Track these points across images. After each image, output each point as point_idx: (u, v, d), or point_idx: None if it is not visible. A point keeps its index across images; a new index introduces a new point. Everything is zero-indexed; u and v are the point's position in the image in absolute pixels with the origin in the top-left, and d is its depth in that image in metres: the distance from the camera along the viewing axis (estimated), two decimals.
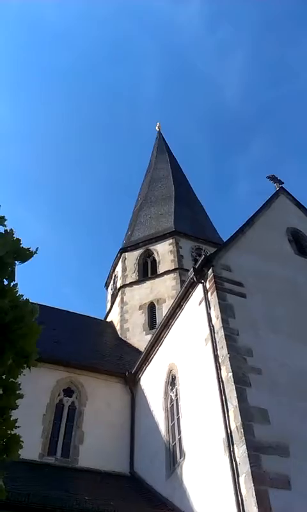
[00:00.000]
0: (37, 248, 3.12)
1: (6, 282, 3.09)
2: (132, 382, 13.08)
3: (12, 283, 3.09)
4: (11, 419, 3.06)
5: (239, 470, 7.05)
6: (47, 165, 61.76)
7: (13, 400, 3.14)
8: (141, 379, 12.94)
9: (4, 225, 3.20)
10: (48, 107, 61.07)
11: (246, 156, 63.39)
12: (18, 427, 3.11)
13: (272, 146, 63.37)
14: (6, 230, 3.29)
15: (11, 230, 3.28)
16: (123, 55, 63.51)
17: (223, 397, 8.01)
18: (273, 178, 15.12)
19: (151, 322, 17.04)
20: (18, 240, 3.15)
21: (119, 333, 17.42)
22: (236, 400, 7.65)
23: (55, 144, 62.41)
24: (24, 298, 3.21)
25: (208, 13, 59.46)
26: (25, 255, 3.06)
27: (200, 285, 10.27)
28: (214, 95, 63.71)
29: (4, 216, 3.36)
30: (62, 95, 61.72)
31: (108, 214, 61.51)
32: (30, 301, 3.22)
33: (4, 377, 3.11)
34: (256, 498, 6.48)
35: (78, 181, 62.67)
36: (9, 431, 3.02)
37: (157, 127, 35.04)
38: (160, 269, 18.82)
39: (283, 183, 14.85)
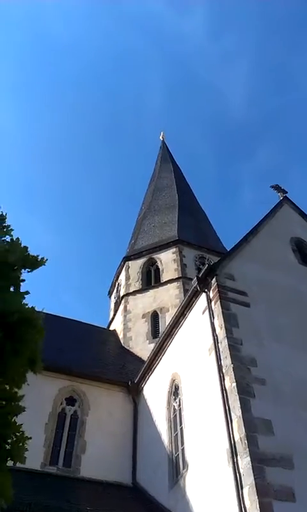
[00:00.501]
0: (46, 259, 3.14)
1: (12, 289, 3.11)
2: (134, 391, 13.04)
3: (20, 290, 3.11)
4: (16, 424, 3.05)
5: (243, 482, 6.98)
6: (52, 172, 62.16)
7: (16, 408, 3.13)
8: (144, 388, 12.90)
9: (11, 235, 3.22)
10: (53, 114, 61.76)
11: (250, 164, 63.71)
12: (23, 431, 3.10)
13: (277, 153, 63.68)
14: (12, 239, 3.32)
15: (18, 238, 3.31)
16: (127, 64, 64.23)
17: (227, 408, 7.97)
18: (277, 188, 15.18)
19: (155, 331, 17.01)
20: (26, 248, 3.18)
21: (122, 341, 17.40)
22: (240, 410, 7.60)
23: (60, 152, 62.94)
24: (29, 306, 3.22)
25: (212, 21, 60.19)
26: (33, 263, 3.08)
27: (204, 294, 10.27)
28: (218, 103, 64.17)
29: (10, 225, 3.39)
30: (67, 103, 62.39)
31: (112, 223, 61.82)
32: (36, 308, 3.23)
33: (7, 387, 3.11)
34: (260, 511, 6.40)
35: (83, 188, 63.04)
36: (13, 434, 3.00)
37: (160, 137, 35.30)
38: (164, 278, 18.82)
39: (286, 192, 14.90)
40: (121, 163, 65.85)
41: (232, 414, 7.79)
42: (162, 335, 12.50)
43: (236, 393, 7.87)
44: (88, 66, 62.80)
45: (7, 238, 3.24)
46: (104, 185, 63.22)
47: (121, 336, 17.74)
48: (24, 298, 3.15)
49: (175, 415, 10.58)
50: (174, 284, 18.16)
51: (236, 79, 61.62)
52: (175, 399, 10.80)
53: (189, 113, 65.52)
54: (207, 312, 9.85)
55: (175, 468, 9.75)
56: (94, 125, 64.50)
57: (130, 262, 20.74)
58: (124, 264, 21.01)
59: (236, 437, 7.47)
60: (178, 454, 9.81)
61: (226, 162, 65.34)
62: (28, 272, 3.13)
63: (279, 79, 62.21)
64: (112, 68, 64.45)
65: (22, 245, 3.21)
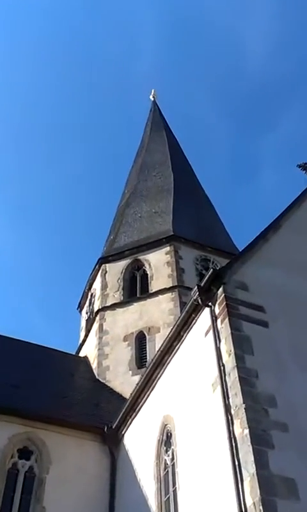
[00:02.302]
0: None
1: None
2: (112, 440, 13.04)
3: None
4: None
5: None
6: (3, 144, 61.95)
7: None
8: (125, 436, 12.89)
9: None
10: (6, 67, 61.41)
11: (272, 137, 63.98)
12: None
13: None
14: None
15: None
16: None
17: (236, 463, 7.97)
18: (305, 168, 15.23)
19: (140, 358, 17.08)
20: None
21: (96, 372, 17.44)
22: (254, 466, 7.60)
23: (18, 117, 62.70)
24: None
25: None
26: None
27: (207, 310, 10.28)
28: (232, 54, 64.29)
29: None
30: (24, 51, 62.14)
31: (84, 212, 61.61)
32: None
33: None
34: None
35: (45, 167, 62.81)
36: None
37: (151, 95, 35.48)
38: (153, 287, 18.89)
39: None
40: (95, 131, 65.78)
41: (243, 471, 7.79)
42: (150, 364, 12.50)
43: (250, 443, 7.85)
44: None
45: None
46: (74, 161, 63.08)
47: (94, 365, 17.78)
48: None
49: (167, 473, 10.56)
50: (168, 295, 18.23)
51: (257, 23, 61.84)
52: (167, 451, 10.77)
53: (191, 65, 65.62)
54: (211, 333, 9.85)
55: None
56: (56, 76, 64.17)
57: (107, 264, 20.80)
58: (100, 267, 21.04)
59: (249, 502, 7.46)
60: None
61: (240, 134, 65.73)
62: None
63: None
64: None
65: None
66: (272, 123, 64.43)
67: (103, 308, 19.22)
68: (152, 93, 35.42)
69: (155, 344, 16.47)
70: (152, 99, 35.10)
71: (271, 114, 64.30)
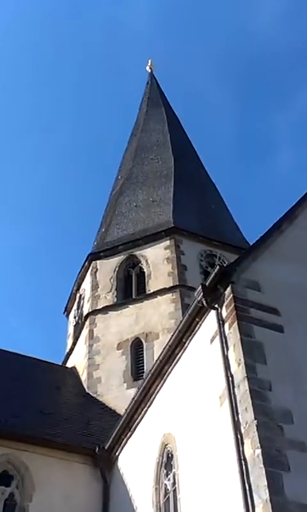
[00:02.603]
0: None
1: None
2: (105, 463, 13.07)
3: None
4: None
5: None
6: None
7: None
8: (119, 458, 12.93)
9: None
10: None
11: (289, 112, 63.69)
12: None
13: None
14: None
15: None
16: None
17: (247, 487, 7.98)
18: None
19: (136, 369, 17.11)
20: None
21: (85, 385, 17.44)
22: (267, 491, 7.62)
23: None
24: None
25: None
26: None
27: (213, 312, 10.30)
28: (240, 14, 63.64)
29: None
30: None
31: (71, 201, 61.59)
32: None
33: None
34: None
35: (23, 149, 62.66)
36: None
37: (147, 66, 35.29)
38: (151, 287, 18.91)
39: None
40: (83, 107, 65.49)
41: (255, 497, 7.80)
42: (147, 375, 12.53)
43: (262, 465, 7.86)
44: None
45: None
46: (57, 142, 62.93)
47: (84, 376, 17.79)
48: None
49: (167, 499, 10.58)
50: (168, 296, 18.25)
51: None
52: (167, 475, 10.80)
53: (193, 30, 65.34)
54: (218, 339, 9.88)
55: None
56: (36, 44, 64.04)
57: (98, 261, 20.80)
58: (89, 264, 21.05)
59: None
60: None
61: (249, 109, 65.52)
62: None
63: None
64: None
65: None
66: (288, 96, 64.07)
67: (94, 312, 19.19)
68: (149, 63, 35.20)
69: (154, 352, 16.48)
70: (149, 70, 34.90)
71: (286, 85, 63.74)
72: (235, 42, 64.82)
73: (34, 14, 63.31)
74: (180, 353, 11.28)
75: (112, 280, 19.87)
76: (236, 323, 9.60)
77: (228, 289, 10.13)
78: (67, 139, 62.58)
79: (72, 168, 62.74)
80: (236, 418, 8.74)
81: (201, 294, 10.37)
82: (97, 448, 13.12)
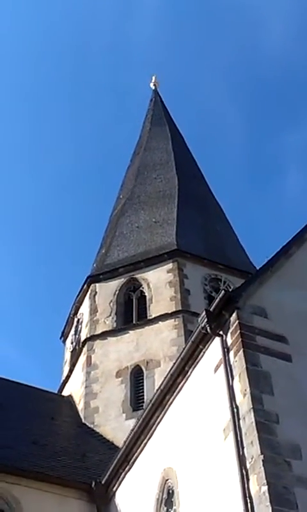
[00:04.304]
0: None
1: None
2: (101, 498, 13.01)
3: None
4: None
5: None
6: None
7: None
8: (117, 494, 12.86)
9: None
10: None
11: (299, 133, 64.17)
12: None
13: None
14: None
15: None
16: None
17: None
18: None
19: (136, 398, 17.05)
20: None
21: (82, 415, 17.40)
22: None
23: None
24: None
25: None
26: None
27: (217, 340, 10.28)
28: (249, 32, 64.47)
29: None
30: None
31: (70, 221, 61.84)
32: None
33: None
34: None
35: (23, 167, 63.12)
36: None
37: (152, 83, 35.64)
38: (153, 312, 18.90)
39: None
40: (85, 125, 66.03)
41: None
42: (148, 405, 12.50)
43: (268, 503, 7.81)
44: None
45: None
46: (58, 161, 63.44)
47: (80, 406, 17.75)
48: None
49: None
50: (170, 322, 18.23)
51: None
52: None
53: (200, 47, 66.04)
54: (222, 368, 9.84)
55: None
56: (37, 59, 64.72)
57: (98, 284, 20.81)
58: (88, 287, 21.08)
59: None
60: None
61: (258, 129, 66.03)
62: None
63: None
64: None
65: None
66: (298, 117, 64.75)
67: (92, 337, 19.17)
68: (153, 80, 35.60)
69: (155, 381, 16.44)
70: (153, 87, 35.29)
71: (296, 105, 64.40)
72: (244, 59, 65.52)
73: (36, 30, 64.23)
74: (183, 382, 11.24)
75: (111, 304, 19.86)
76: (241, 351, 9.58)
77: (234, 315, 10.13)
78: (68, 157, 63.07)
79: (72, 186, 63.05)
80: (241, 453, 8.69)
81: (205, 320, 10.37)
82: (93, 483, 13.06)
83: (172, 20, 64.96)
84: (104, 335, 19.04)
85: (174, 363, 11.49)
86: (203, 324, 10.44)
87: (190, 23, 65.20)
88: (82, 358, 18.99)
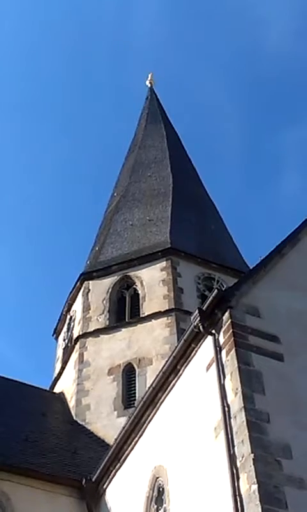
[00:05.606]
0: None
1: None
2: (91, 496, 12.99)
3: None
4: None
5: None
6: None
7: None
8: (107, 491, 12.85)
9: None
10: None
11: (297, 131, 63.92)
12: None
13: None
14: None
15: None
16: None
17: None
18: None
19: (128, 396, 17.05)
20: None
21: (73, 412, 17.38)
22: None
23: None
24: None
25: None
26: None
27: (210, 339, 10.30)
28: (249, 28, 63.98)
29: None
30: None
31: (63, 218, 61.53)
32: None
33: None
34: None
35: (15, 164, 62.79)
36: None
37: (147, 81, 35.54)
38: (146, 310, 18.89)
39: None
40: (79, 122, 65.80)
41: None
42: (139, 403, 12.48)
43: (258, 502, 7.83)
44: None
45: None
46: (52, 158, 63.17)
47: (72, 403, 17.72)
48: None
49: None
50: (163, 320, 18.22)
51: None
52: (158, 510, 10.73)
53: (197, 44, 65.70)
54: (214, 366, 9.87)
55: None
56: (30, 55, 64.57)
57: (91, 281, 20.78)
58: (81, 284, 21.03)
59: None
60: None
61: (255, 127, 65.72)
62: None
63: None
64: None
65: None
66: (296, 115, 64.34)
67: (85, 335, 19.13)
68: (149, 78, 35.44)
69: (146, 378, 16.42)
70: (149, 85, 35.13)
71: (295, 104, 64.08)
72: (242, 58, 65.13)
73: (34, 28, 63.95)
74: (174, 381, 11.24)
75: (104, 302, 19.83)
76: (234, 350, 9.59)
77: (226, 314, 10.15)
78: (63, 154, 62.84)
79: (67, 183, 62.87)
80: (232, 451, 8.70)
81: (198, 318, 10.38)
82: (84, 480, 13.03)
83: (169, 18, 64.63)
84: (97, 332, 19.00)
85: (166, 362, 11.50)
86: (195, 323, 10.45)
87: (187, 20, 64.91)
88: (74, 355, 18.97)
